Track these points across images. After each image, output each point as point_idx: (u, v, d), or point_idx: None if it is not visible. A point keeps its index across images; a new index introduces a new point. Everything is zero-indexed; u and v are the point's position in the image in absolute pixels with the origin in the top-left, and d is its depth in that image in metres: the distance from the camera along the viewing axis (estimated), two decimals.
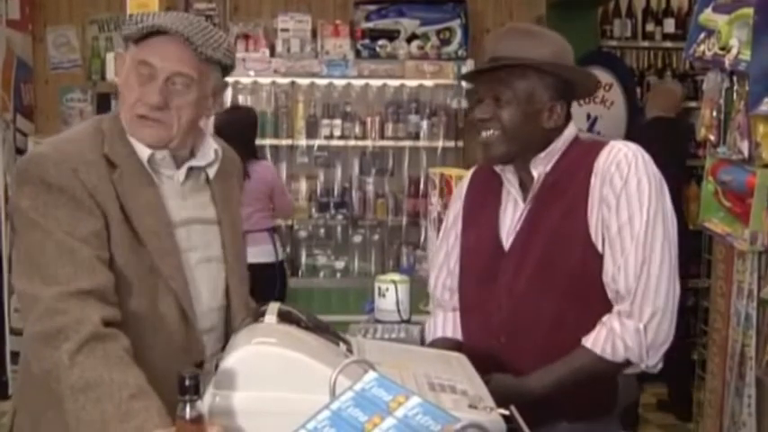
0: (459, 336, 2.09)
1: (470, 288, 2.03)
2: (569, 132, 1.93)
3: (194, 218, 1.79)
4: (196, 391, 1.26)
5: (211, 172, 1.83)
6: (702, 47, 3.07)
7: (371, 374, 1.19)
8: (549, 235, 1.86)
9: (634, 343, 1.79)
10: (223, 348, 1.68)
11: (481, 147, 1.93)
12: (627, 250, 1.78)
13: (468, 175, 2.16)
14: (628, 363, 1.83)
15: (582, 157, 1.89)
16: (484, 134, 1.90)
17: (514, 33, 1.93)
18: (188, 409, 1.26)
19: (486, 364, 1.81)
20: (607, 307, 1.84)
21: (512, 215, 1.95)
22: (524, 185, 1.94)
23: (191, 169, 1.79)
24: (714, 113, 3.14)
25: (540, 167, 1.90)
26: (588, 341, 1.82)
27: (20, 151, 5.55)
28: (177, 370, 1.47)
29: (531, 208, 1.91)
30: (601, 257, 1.82)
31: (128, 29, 1.70)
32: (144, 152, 1.71)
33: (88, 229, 1.59)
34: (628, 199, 1.79)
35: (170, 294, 1.69)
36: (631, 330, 1.79)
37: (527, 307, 1.88)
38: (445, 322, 2.13)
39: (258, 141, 5.42)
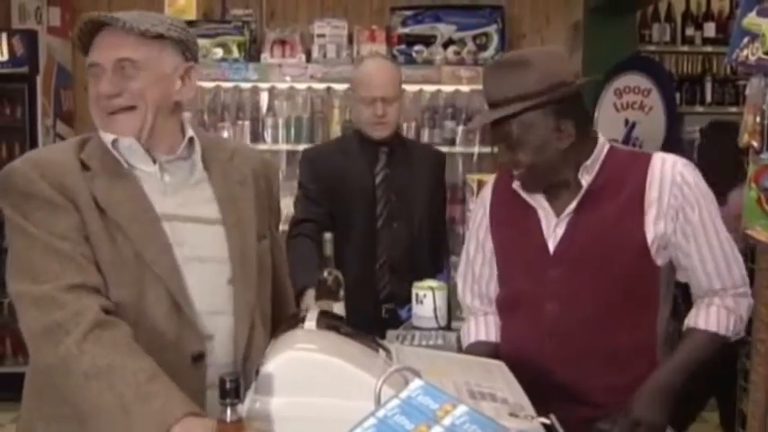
0: (493, 338, 2.13)
1: (515, 291, 2.05)
2: (602, 142, 1.97)
3: (180, 215, 1.73)
4: (237, 394, 1.26)
5: (196, 171, 1.78)
6: (746, 51, 3.02)
7: (417, 382, 1.18)
8: (598, 238, 1.90)
9: (746, 316, 1.95)
10: (245, 361, 1.70)
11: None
12: (721, 248, 1.91)
13: (489, 183, 2.19)
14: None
15: (627, 165, 1.94)
16: (515, 173, 1.97)
17: (497, 70, 1.95)
18: (228, 411, 1.26)
19: (532, 364, 1.88)
20: (654, 303, 1.92)
21: (547, 219, 1.97)
22: (561, 193, 1.96)
23: (168, 163, 1.75)
24: (757, 119, 3.08)
25: (587, 176, 1.93)
26: (708, 324, 1.91)
27: None
28: (166, 362, 1.51)
29: (577, 211, 1.94)
30: (651, 259, 1.89)
31: (77, 41, 1.74)
32: (110, 141, 1.71)
33: (66, 224, 1.61)
34: (706, 206, 1.90)
35: (159, 284, 1.65)
36: (746, 306, 1.95)
37: (577, 307, 1.91)
38: (478, 327, 2.16)
39: (293, 146, 5.46)
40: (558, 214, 1.96)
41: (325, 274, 2.28)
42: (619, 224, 1.88)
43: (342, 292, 2.30)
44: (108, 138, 1.72)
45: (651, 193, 1.87)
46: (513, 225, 2.05)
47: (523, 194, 2.00)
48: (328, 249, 2.28)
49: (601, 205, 1.91)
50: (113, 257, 1.63)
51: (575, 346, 1.90)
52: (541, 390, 1.73)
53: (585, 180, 1.92)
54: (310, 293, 2.38)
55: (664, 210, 1.87)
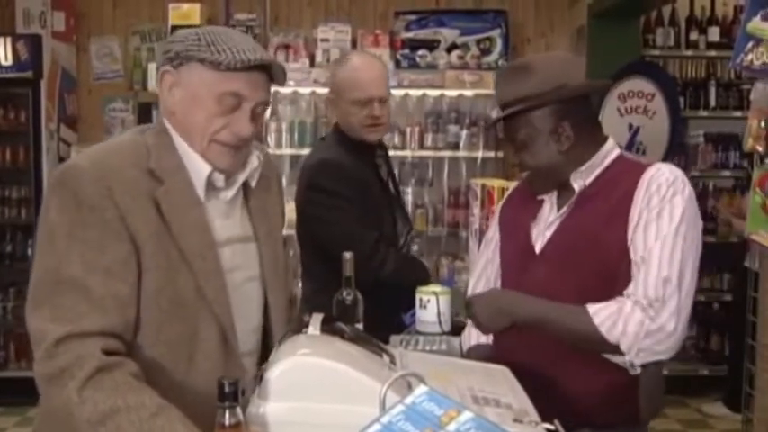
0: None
1: (505, 284, 2.10)
2: (608, 148, 1.99)
3: (236, 236, 1.72)
4: (235, 397, 1.26)
5: (253, 181, 1.74)
6: (750, 56, 3.02)
7: (422, 388, 1.17)
8: (585, 239, 1.91)
9: (632, 333, 1.81)
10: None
11: None
12: (662, 259, 1.82)
13: (514, 184, 2.29)
14: (613, 349, 1.84)
15: (626, 172, 1.95)
16: (525, 175, 2.08)
17: (505, 75, 2.04)
18: (227, 415, 1.26)
19: (510, 349, 1.93)
20: None
21: (545, 219, 2.01)
22: (562, 195, 2.00)
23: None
24: (762, 124, 3.09)
25: (579, 181, 1.95)
26: (593, 308, 1.84)
27: (63, 161, 5.63)
28: (215, 398, 1.42)
29: (568, 214, 1.96)
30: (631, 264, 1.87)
31: (209, 55, 1.58)
32: (203, 170, 1.64)
33: (113, 255, 1.51)
34: (660, 218, 1.84)
35: (212, 320, 1.61)
36: (637, 321, 1.81)
37: (559, 299, 1.91)
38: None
39: (296, 151, 5.46)
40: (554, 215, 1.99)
41: (344, 294, 2.22)
42: (604, 228, 1.89)
43: (360, 313, 2.22)
44: (203, 170, 1.64)
45: (638, 200, 1.87)
46: (514, 227, 2.09)
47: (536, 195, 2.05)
48: (348, 269, 2.20)
49: (592, 209, 1.92)
50: (174, 292, 1.57)
51: (554, 341, 1.90)
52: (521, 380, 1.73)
53: (578, 185, 1.94)
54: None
55: (636, 213, 1.86)
